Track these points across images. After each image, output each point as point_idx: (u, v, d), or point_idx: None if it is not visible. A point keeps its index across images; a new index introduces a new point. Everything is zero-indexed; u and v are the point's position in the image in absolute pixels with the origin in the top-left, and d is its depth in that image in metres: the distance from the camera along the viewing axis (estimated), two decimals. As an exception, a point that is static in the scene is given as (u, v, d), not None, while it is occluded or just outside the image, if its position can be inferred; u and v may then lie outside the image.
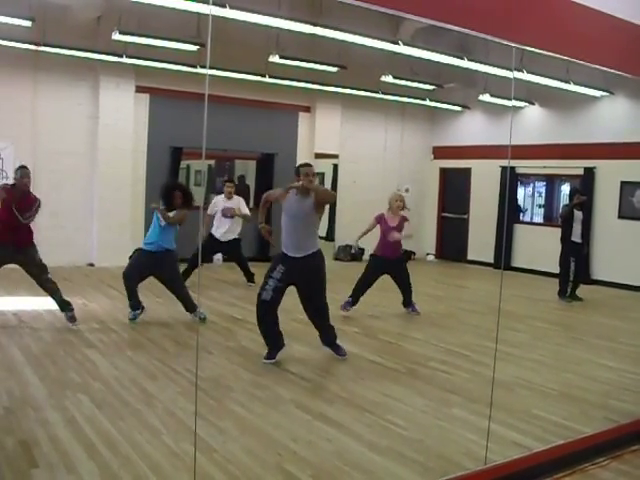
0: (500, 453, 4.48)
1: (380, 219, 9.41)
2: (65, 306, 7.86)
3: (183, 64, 11.72)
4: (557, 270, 11.80)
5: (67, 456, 4.30)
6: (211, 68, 11.90)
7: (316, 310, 7.01)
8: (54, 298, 7.86)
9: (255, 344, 7.40)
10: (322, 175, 18.14)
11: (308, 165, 6.71)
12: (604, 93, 12.91)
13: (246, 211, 11.00)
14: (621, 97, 13.02)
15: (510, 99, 13.74)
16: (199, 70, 11.69)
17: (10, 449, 4.37)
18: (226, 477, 4.11)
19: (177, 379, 6.08)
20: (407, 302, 9.62)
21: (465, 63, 10.82)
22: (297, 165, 6.85)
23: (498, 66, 11.09)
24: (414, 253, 16.19)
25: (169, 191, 8.32)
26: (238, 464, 4.31)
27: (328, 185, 18.30)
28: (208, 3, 7.91)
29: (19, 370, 6.13)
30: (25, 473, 4.04)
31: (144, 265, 8.32)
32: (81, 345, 7.10)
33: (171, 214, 8.18)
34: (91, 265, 12.54)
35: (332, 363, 6.91)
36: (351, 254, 15.45)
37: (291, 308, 9.35)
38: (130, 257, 8.99)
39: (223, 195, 11.09)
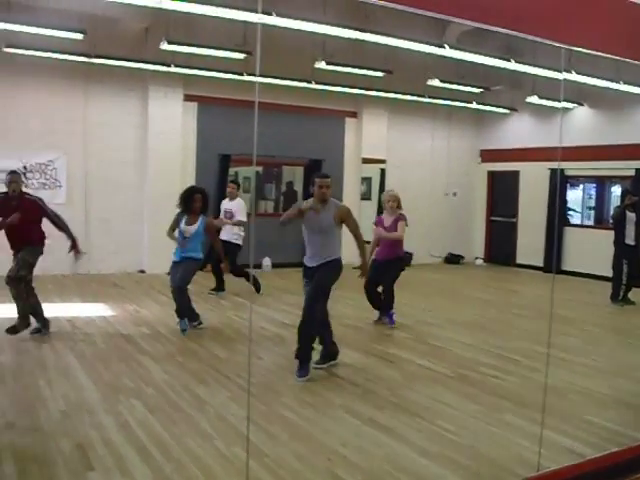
0: (553, 460, 4.42)
1: (377, 222, 9.18)
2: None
3: (230, 72, 11.84)
4: (608, 273, 11.61)
5: (121, 459, 4.38)
6: (259, 76, 12.03)
7: (307, 313, 6.54)
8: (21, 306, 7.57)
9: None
10: (369, 180, 18.17)
11: (325, 176, 6.55)
12: (655, 92, 12.65)
13: (241, 217, 10.52)
14: (673, 96, 12.76)
15: (558, 100, 13.65)
16: (246, 78, 11.79)
17: (67, 452, 4.46)
18: (277, 481, 4.14)
19: (228, 384, 6.13)
20: (383, 309, 9.00)
21: (512, 65, 10.71)
22: (314, 175, 6.67)
23: (546, 67, 10.94)
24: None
25: (190, 195, 8.20)
26: (288, 468, 4.33)
27: (376, 190, 18.33)
28: (256, 12, 7.96)
29: (74, 375, 6.25)
30: (81, 475, 4.13)
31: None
32: (133, 351, 7.21)
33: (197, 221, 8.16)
34: (142, 272, 12.72)
35: (381, 368, 6.90)
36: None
37: (340, 314, 9.43)
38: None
39: (227, 198, 10.83)
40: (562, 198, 15.22)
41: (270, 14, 8.23)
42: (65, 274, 12.00)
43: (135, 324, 8.41)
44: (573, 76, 10.94)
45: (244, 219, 10.55)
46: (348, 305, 10.31)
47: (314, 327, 6.59)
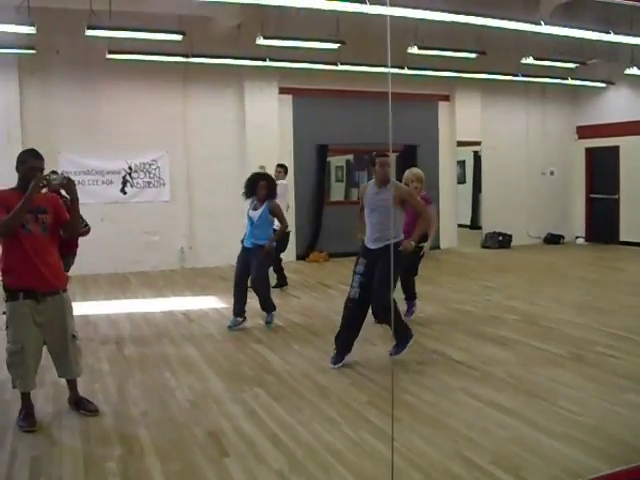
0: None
1: None
2: None
3: (324, 62, 11.95)
4: None
5: (254, 446, 4.55)
6: (351, 64, 12.13)
7: (375, 304, 6.29)
8: None
9: (416, 334, 7.45)
10: (463, 163, 18.05)
11: (384, 155, 6.46)
12: None
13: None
14: None
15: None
16: (340, 67, 11.89)
17: (201, 439, 4.68)
18: (408, 464, 4.22)
19: (346, 371, 6.26)
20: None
21: (610, 37, 10.42)
22: (374, 154, 6.51)
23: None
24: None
25: (255, 182, 8.13)
26: (417, 451, 4.42)
27: (470, 172, 18.21)
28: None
29: (196, 366, 6.50)
30: (218, 461, 4.32)
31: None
32: (249, 341, 7.44)
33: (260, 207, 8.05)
34: (246, 264, 12.98)
35: (495, 351, 6.89)
36: (499, 241, 15.28)
37: (445, 298, 9.47)
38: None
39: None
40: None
41: (364, 2, 8.29)
42: (173, 269, 12.42)
43: (248, 315, 8.58)
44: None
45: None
46: (452, 289, 10.34)
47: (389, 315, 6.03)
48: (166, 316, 8.69)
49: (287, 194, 10.47)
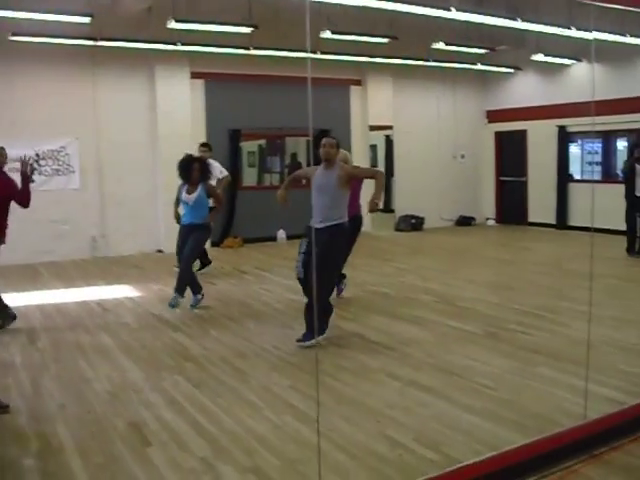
0: (594, 409, 4.51)
1: None
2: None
3: (236, 47, 11.84)
4: (617, 227, 11.71)
5: (176, 434, 4.50)
6: (264, 49, 12.05)
7: (316, 281, 5.53)
8: None
9: (334, 317, 7.52)
10: (375, 147, 18.20)
11: (328, 136, 6.71)
12: (661, 43, 12.63)
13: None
14: (679, 46, 12.73)
15: (563, 57, 13.66)
16: (253, 52, 11.80)
17: (122, 430, 4.59)
18: (332, 445, 4.24)
19: (265, 356, 6.26)
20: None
21: (518, 24, 10.67)
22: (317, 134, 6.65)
23: (551, 24, 10.92)
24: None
25: (188, 165, 8.20)
26: (340, 433, 4.45)
27: (381, 157, 18.38)
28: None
29: (113, 356, 6.37)
30: (141, 452, 4.25)
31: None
32: (166, 329, 7.33)
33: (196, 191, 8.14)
34: (160, 252, 12.81)
35: (413, 331, 7.01)
36: (412, 224, 15.52)
37: (361, 281, 9.57)
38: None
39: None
40: (564, 155, 15.30)
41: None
42: (84, 258, 12.14)
43: (163, 303, 8.49)
44: (586, 34, 10.92)
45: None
46: (367, 272, 10.44)
47: (321, 294, 6.29)
48: (79, 306, 8.48)
49: (216, 170, 10.21)
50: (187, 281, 8.19)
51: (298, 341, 6.46)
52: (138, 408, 5.01)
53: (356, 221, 7.51)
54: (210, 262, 10.68)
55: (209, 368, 5.93)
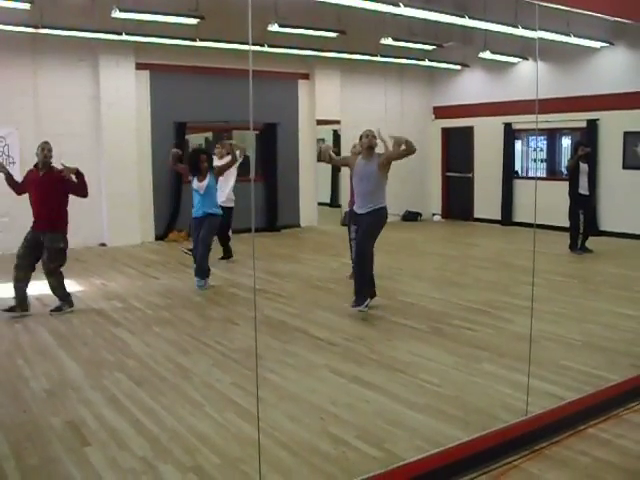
0: (536, 404, 4.56)
1: None
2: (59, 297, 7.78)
3: (182, 38, 11.68)
4: (561, 223, 11.91)
5: (116, 433, 4.40)
6: (211, 41, 11.91)
7: (360, 253, 7.33)
8: (51, 289, 7.72)
9: (278, 313, 7.54)
10: (322, 141, 18.16)
11: (369, 130, 7.32)
12: (604, 44, 12.86)
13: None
14: (621, 47, 12.97)
15: (510, 55, 13.82)
16: (199, 44, 11.65)
17: (60, 429, 4.47)
18: (274, 443, 4.20)
19: (208, 352, 6.18)
20: None
21: (466, 21, 10.75)
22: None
23: (498, 22, 11.03)
24: None
25: (197, 156, 8.74)
26: (283, 430, 4.41)
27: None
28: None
29: (52, 353, 6.21)
30: (79, 451, 4.14)
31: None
32: (108, 324, 7.19)
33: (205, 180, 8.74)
34: (103, 245, 12.60)
35: (357, 327, 7.01)
36: (358, 219, 15.50)
37: (307, 276, 9.54)
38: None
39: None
40: (512, 152, 15.50)
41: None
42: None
43: (105, 298, 8.36)
44: (533, 33, 11.04)
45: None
46: (313, 267, 10.42)
47: (368, 265, 7.36)
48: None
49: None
50: (206, 264, 8.81)
51: (354, 307, 7.21)
52: (77, 407, 4.88)
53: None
54: (232, 256, 10.90)
55: (151, 365, 5.82)
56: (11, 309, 7.50)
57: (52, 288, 7.66)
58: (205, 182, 8.73)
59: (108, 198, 12.49)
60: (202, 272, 8.79)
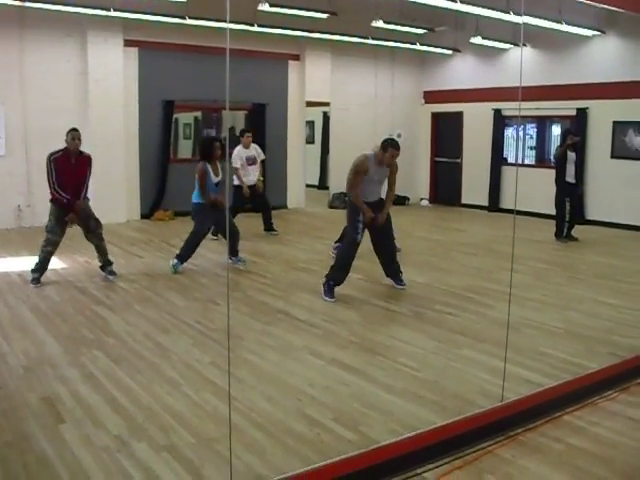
0: (513, 390, 4.58)
1: None
2: (108, 264, 8.31)
3: (172, 15, 11.56)
4: (549, 211, 11.92)
5: (91, 410, 4.38)
6: (201, 19, 11.80)
7: (387, 247, 7.82)
8: (102, 257, 8.27)
9: (260, 293, 7.55)
10: (312, 124, 18.12)
11: (397, 147, 7.44)
12: (596, 32, 12.82)
13: (263, 156, 11.67)
14: (612, 36, 12.92)
15: (501, 41, 13.78)
16: (189, 21, 11.55)
17: (35, 406, 4.45)
18: (250, 423, 4.20)
19: (189, 331, 6.16)
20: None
21: (457, 5, 10.67)
22: (387, 139, 7.60)
23: (490, 7, 10.97)
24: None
25: (210, 143, 8.66)
26: (260, 411, 4.40)
27: (319, 133, 18.37)
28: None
29: (32, 330, 6.17)
30: (53, 428, 4.12)
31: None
32: (89, 302, 7.15)
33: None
34: (88, 222, 12.51)
35: (338, 309, 7.00)
36: (346, 201, 15.43)
37: (292, 258, 9.53)
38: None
39: (241, 146, 11.26)
40: (501, 138, 15.49)
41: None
42: (9, 228, 11.77)
43: (88, 275, 8.33)
44: (526, 18, 11.01)
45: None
46: (299, 249, 10.41)
47: (399, 267, 7.98)
48: (0, 278, 8.22)
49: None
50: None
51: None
52: (53, 383, 4.86)
53: None
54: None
55: (130, 343, 5.80)
56: (36, 279, 7.89)
57: (104, 252, 8.24)
58: (221, 174, 8.72)
59: (94, 175, 12.27)
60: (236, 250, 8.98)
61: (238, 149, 11.18)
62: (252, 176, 11.30)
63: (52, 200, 7.83)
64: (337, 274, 7.49)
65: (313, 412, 4.39)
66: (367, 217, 7.45)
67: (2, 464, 3.71)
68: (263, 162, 11.74)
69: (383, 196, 7.84)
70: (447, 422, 4.06)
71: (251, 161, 11.29)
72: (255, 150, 11.43)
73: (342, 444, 3.94)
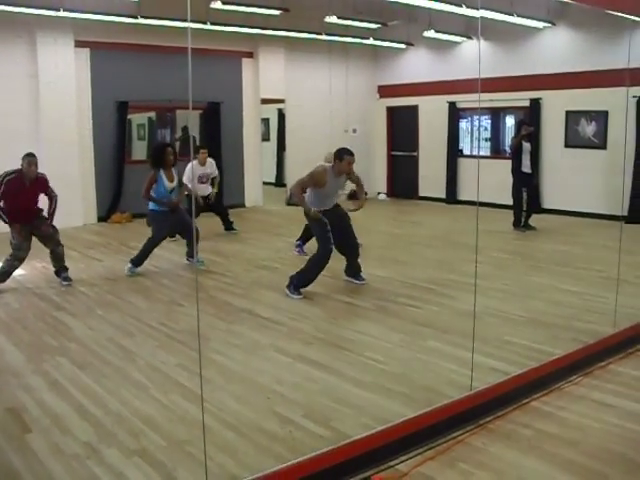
0: (480, 379, 4.60)
1: None
2: (64, 270, 8.18)
3: (124, 15, 11.41)
4: (506, 201, 12.06)
5: (58, 419, 4.31)
6: (152, 18, 11.67)
7: (352, 246, 7.85)
8: (57, 262, 8.15)
9: (223, 293, 7.52)
10: (267, 121, 18.06)
11: (352, 154, 7.55)
12: (546, 24, 12.99)
13: (216, 174, 11.47)
14: (563, 27, 13.10)
15: (454, 34, 13.88)
16: (141, 21, 11.42)
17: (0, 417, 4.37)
18: (220, 424, 4.18)
19: (153, 334, 6.10)
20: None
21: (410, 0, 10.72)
22: (340, 148, 7.64)
23: (443, 1, 11.02)
24: None
25: (163, 150, 8.52)
26: (230, 411, 4.38)
27: (274, 130, 18.31)
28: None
29: (-9, 337, 6.07)
30: (20, 438, 4.05)
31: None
32: (50, 308, 7.05)
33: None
34: (45, 227, 12.31)
35: (302, 306, 6.99)
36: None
37: (252, 256, 9.50)
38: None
39: (196, 161, 11.03)
40: (456, 131, 15.62)
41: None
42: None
43: (47, 281, 8.20)
44: (482, 12, 11.04)
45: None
46: (259, 247, 10.38)
47: (359, 266, 8.02)
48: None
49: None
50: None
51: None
52: (17, 393, 4.77)
53: None
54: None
55: (94, 348, 5.73)
56: None
57: (60, 258, 8.13)
58: (175, 181, 8.59)
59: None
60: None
61: (193, 165, 10.85)
62: (204, 189, 11.10)
63: (10, 221, 7.74)
64: (306, 278, 7.45)
65: (283, 410, 4.38)
66: (313, 214, 7.43)
67: (-32, 477, 3.64)
68: (214, 179, 11.50)
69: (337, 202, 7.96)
70: (418, 413, 4.08)
71: (205, 179, 11.14)
72: (210, 167, 11.27)
73: (314, 440, 3.94)
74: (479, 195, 13.22)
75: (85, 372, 5.15)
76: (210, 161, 11.31)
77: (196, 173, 10.91)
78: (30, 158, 7.69)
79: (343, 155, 7.49)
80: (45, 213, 7.96)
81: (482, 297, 7.00)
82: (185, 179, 9.90)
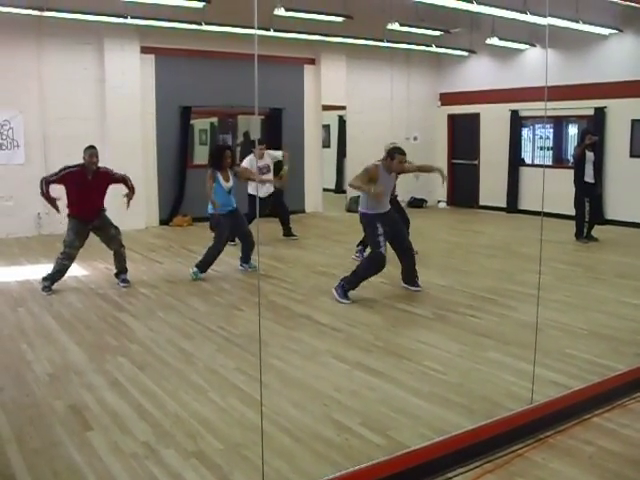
0: (541, 393, 4.54)
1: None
2: (124, 271, 8.32)
3: (188, 22, 11.59)
4: (568, 212, 11.84)
5: (118, 417, 4.38)
6: (216, 25, 11.82)
7: (404, 250, 7.92)
8: (120, 263, 8.28)
9: (282, 298, 7.54)
10: (328, 127, 18.08)
11: (404, 153, 7.66)
12: (613, 31, 12.73)
13: (280, 157, 11.57)
14: (630, 34, 12.82)
15: (517, 42, 13.72)
16: (205, 27, 11.56)
17: (62, 413, 4.45)
18: (277, 429, 4.19)
19: (212, 337, 6.16)
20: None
21: (473, 7, 10.63)
22: (392, 147, 7.82)
23: (506, 8, 10.92)
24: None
25: (221, 152, 8.71)
26: (287, 416, 4.39)
27: (335, 137, 18.31)
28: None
29: (55, 337, 6.19)
30: (81, 435, 4.12)
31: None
32: (112, 309, 7.17)
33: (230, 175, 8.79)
34: (108, 229, 12.55)
35: (362, 313, 6.98)
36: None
37: (312, 262, 9.51)
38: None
39: (252, 155, 10.99)
40: (518, 139, 15.43)
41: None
42: (29, 236, 11.84)
43: (109, 282, 8.35)
44: (535, 18, 10.95)
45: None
46: (318, 253, 10.40)
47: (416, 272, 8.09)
48: (22, 285, 8.27)
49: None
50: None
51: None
52: (79, 391, 4.87)
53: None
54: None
55: (154, 349, 5.81)
56: (47, 287, 7.88)
57: (123, 259, 8.28)
58: (232, 182, 8.73)
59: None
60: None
61: (250, 158, 10.93)
62: (267, 187, 11.09)
63: (70, 214, 7.85)
64: (355, 281, 7.50)
65: (340, 417, 4.37)
66: (375, 190, 7.37)
67: (31, 471, 3.71)
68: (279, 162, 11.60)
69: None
70: (477, 425, 4.03)
71: (265, 169, 11.19)
72: (269, 157, 11.32)
73: (371, 449, 3.92)
74: (541, 204, 13.05)
75: (145, 373, 5.22)
76: (268, 153, 11.36)
77: (253, 165, 10.78)
78: (92, 150, 7.80)
79: (395, 154, 7.63)
80: (125, 197, 8.18)
81: (543, 308, 6.82)
82: (244, 164, 10.33)
